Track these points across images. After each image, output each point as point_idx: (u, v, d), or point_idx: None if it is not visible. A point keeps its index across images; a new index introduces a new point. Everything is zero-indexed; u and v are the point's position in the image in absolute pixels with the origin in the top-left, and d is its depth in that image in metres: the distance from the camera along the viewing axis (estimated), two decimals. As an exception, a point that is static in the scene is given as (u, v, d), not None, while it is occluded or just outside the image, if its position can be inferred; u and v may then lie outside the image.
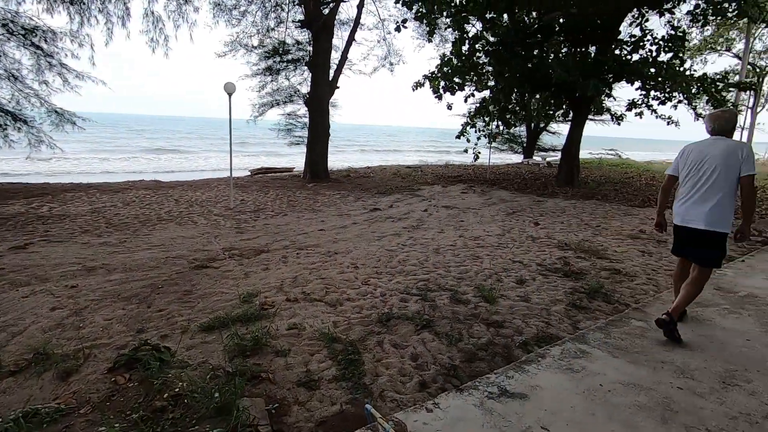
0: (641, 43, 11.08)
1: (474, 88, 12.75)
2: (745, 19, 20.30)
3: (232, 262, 5.01)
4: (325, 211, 8.15)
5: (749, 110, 25.03)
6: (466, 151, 13.30)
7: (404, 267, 4.91)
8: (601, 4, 10.85)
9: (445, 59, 12.29)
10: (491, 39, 11.97)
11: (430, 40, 11.91)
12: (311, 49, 11.82)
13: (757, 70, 24.89)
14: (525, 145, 21.99)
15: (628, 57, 11.22)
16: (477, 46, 11.99)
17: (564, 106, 14.99)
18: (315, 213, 7.93)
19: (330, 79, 12.02)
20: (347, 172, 14.20)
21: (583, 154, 22.02)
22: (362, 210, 8.25)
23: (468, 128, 13.05)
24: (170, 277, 4.52)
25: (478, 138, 13.12)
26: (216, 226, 6.79)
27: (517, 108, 13.11)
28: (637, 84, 11.18)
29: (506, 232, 6.80)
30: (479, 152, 13.04)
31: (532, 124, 20.61)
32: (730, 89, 11.88)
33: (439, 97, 12.77)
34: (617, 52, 11.26)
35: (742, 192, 2.91)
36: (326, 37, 11.35)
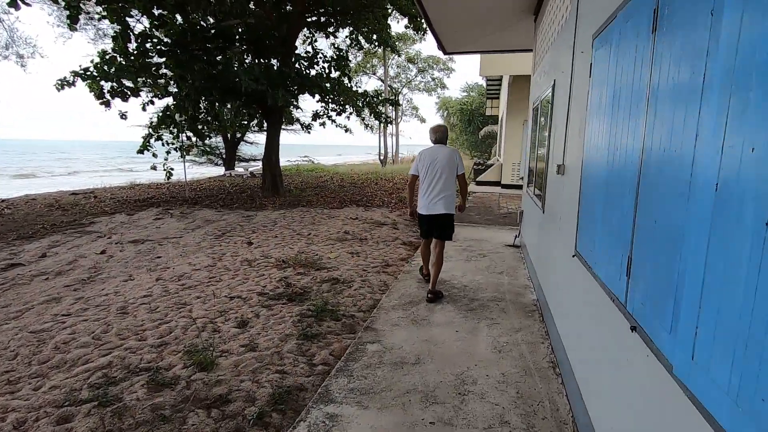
0: (315, 60, 12.14)
1: (153, 93, 10.83)
2: (382, 49, 25.98)
3: None
4: None
5: (394, 121, 32.60)
6: (154, 168, 11.21)
7: (66, 355, 3.24)
8: (275, 20, 11.19)
9: (107, 57, 9.88)
10: (165, 39, 10.40)
11: (73, 29, 9.19)
12: None
13: (394, 90, 32.67)
14: (225, 156, 21.01)
15: (307, 72, 12.08)
16: (148, 45, 10.18)
17: (258, 116, 14.94)
18: None
19: None
20: (-40, 212, 9.45)
21: (282, 162, 23.04)
22: (-13, 270, 5.39)
23: (152, 141, 11.00)
24: None
25: (168, 152, 11.28)
26: None
27: (209, 117, 12.01)
28: (318, 97, 12.21)
29: (217, 260, 5.84)
30: (172, 168, 11.24)
31: (229, 135, 19.83)
32: (384, 105, 14.66)
33: (106, 104, 10.23)
34: (297, 66, 11.92)
35: (460, 184, 4.11)
36: None
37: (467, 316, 3.49)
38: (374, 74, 31.42)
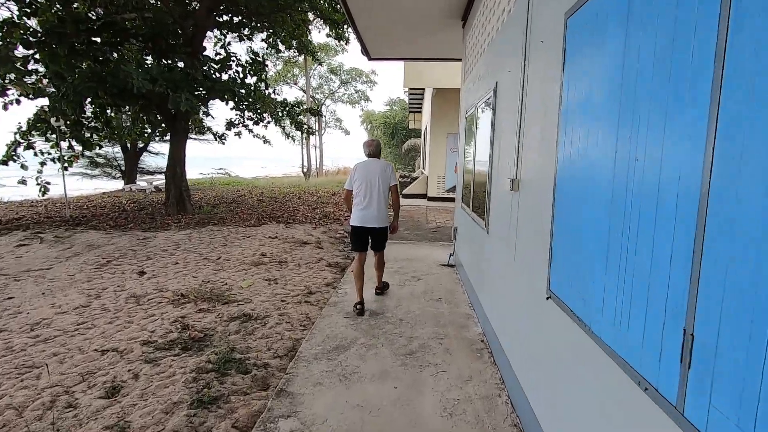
0: (228, 63, 11.02)
1: (19, 92, 8.97)
2: (303, 58, 25.13)
3: None
4: None
5: (317, 133, 31.75)
6: (23, 182, 9.28)
7: None
8: (178, 17, 9.94)
9: (-44, 47, 8.00)
10: (38, 28, 8.69)
11: None
12: None
13: (317, 101, 31.90)
14: (124, 168, 18.58)
15: (218, 75, 10.93)
16: (15, 34, 8.42)
17: (162, 124, 13.29)
18: None
19: None
20: None
21: (194, 174, 21.00)
22: None
23: (21, 149, 9.12)
24: None
25: (42, 163, 9.43)
26: None
27: (98, 124, 10.29)
28: (232, 104, 11.08)
29: (94, 298, 4.65)
30: (48, 182, 9.41)
31: (128, 144, 17.54)
32: (306, 114, 13.86)
33: (-44, 103, 8.31)
34: (206, 68, 10.72)
35: (392, 196, 4.11)
36: None
37: (406, 363, 2.88)
38: (296, 84, 30.40)
